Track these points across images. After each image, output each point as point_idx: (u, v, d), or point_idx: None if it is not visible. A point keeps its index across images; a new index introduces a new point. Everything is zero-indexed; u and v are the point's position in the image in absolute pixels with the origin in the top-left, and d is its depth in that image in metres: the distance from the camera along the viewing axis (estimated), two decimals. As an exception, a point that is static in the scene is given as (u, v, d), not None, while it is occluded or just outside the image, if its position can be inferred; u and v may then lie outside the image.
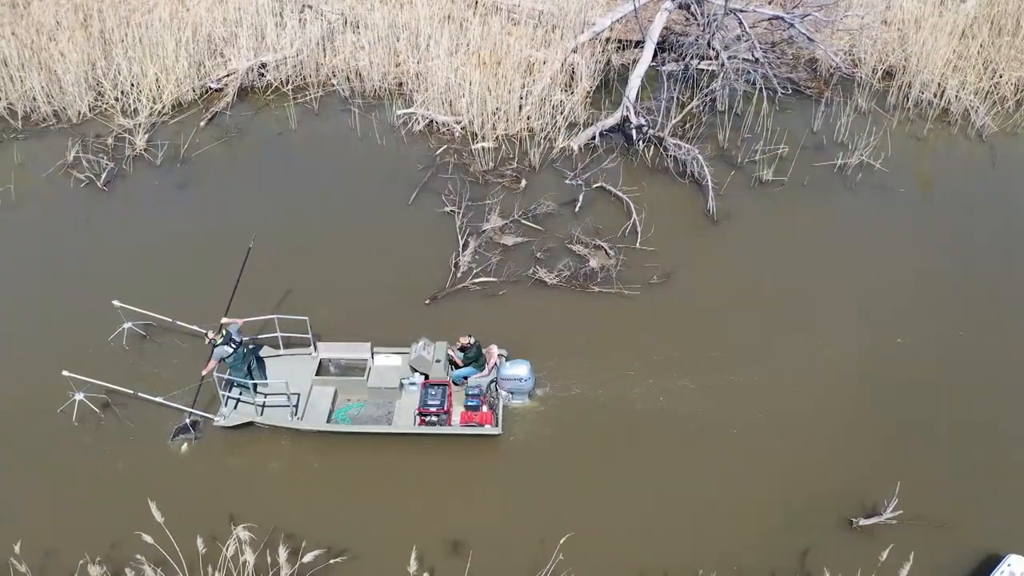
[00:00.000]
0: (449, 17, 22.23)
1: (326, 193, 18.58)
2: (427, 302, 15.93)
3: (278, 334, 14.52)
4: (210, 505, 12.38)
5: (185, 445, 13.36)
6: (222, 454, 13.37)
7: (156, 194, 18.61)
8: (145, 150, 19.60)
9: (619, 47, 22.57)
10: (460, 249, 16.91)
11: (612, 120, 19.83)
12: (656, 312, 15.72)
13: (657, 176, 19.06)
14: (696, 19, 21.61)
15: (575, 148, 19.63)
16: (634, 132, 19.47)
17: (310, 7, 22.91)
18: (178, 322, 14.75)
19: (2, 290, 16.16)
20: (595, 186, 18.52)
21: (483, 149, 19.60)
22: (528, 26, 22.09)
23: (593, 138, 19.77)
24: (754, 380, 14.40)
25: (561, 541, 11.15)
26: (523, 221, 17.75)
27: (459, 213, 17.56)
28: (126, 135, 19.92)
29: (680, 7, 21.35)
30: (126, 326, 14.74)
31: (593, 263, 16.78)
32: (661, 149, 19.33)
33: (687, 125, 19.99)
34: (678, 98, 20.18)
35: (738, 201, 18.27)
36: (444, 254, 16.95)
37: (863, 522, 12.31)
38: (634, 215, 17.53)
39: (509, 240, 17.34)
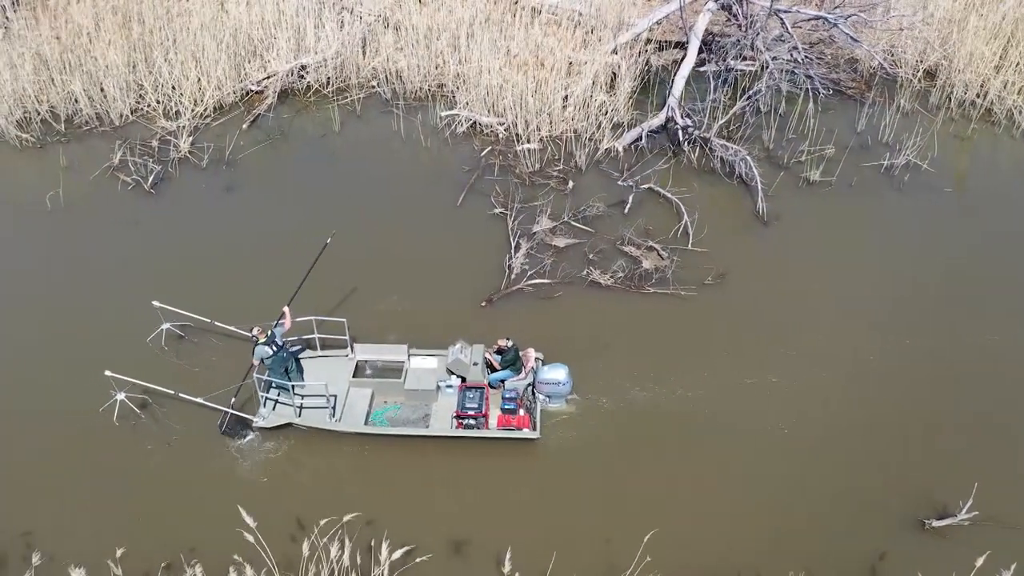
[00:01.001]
0: (488, 19, 22.19)
1: (373, 195, 18.55)
2: (483, 304, 15.91)
3: (315, 335, 14.50)
4: (256, 505, 12.10)
5: (247, 438, 13.47)
6: (262, 455, 13.34)
7: (203, 196, 18.60)
8: (190, 152, 19.59)
9: (657, 48, 22.55)
10: (512, 251, 16.88)
11: (657, 121, 19.80)
12: (712, 313, 15.69)
13: (704, 177, 19.03)
14: (736, 19, 21.60)
15: (620, 149, 19.60)
16: (680, 133, 19.43)
17: (348, 10, 22.88)
18: (216, 323, 14.76)
19: (52, 291, 16.14)
20: (643, 187, 18.49)
21: (528, 151, 19.57)
22: (567, 27, 22.04)
23: (638, 139, 19.74)
24: (815, 381, 14.39)
25: (646, 538, 11.10)
26: (573, 223, 17.73)
27: (511, 215, 17.52)
28: (170, 137, 19.90)
29: (722, 7, 21.33)
30: (164, 327, 14.77)
31: (646, 264, 16.75)
32: (707, 150, 19.29)
33: (731, 126, 19.94)
34: (719, 98, 20.13)
35: (787, 202, 18.24)
36: (495, 256, 16.93)
37: (935, 523, 12.28)
38: (685, 216, 17.49)
39: (560, 242, 17.32)
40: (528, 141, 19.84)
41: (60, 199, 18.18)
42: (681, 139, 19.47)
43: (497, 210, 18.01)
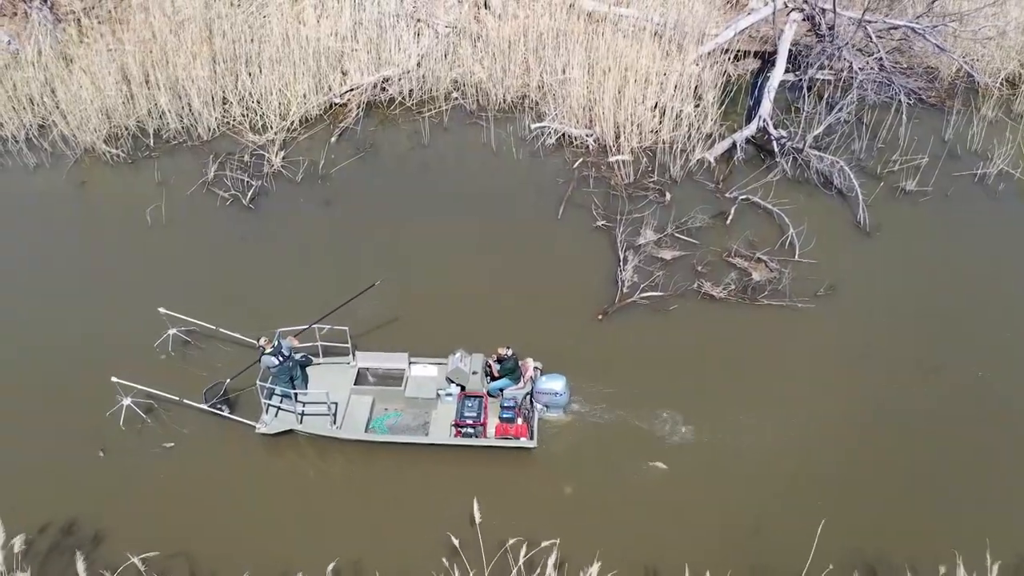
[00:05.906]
0: (568, 30, 22.23)
1: (473, 208, 18.48)
2: (599, 317, 15.94)
3: (318, 343, 14.64)
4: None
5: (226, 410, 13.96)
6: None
7: (303, 211, 18.56)
8: (282, 167, 19.58)
9: (734, 58, 22.60)
10: (621, 263, 16.90)
11: (749, 131, 19.86)
12: (832, 325, 15.74)
13: (799, 187, 19.07)
14: (818, 30, 21.68)
15: (712, 160, 19.64)
16: (775, 144, 19.48)
17: (423, 22, 22.89)
18: (221, 329, 14.95)
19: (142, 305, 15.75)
20: (741, 199, 18.53)
21: (621, 162, 19.59)
22: (649, 37, 22.07)
23: (730, 149, 19.79)
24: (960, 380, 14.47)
25: (818, 530, 11.09)
26: (676, 235, 17.76)
27: (619, 228, 17.54)
28: (261, 151, 19.89)
29: (806, 18, 21.41)
30: (171, 332, 14.97)
31: (756, 276, 16.79)
32: (801, 160, 19.33)
33: (820, 136, 19.96)
34: (815, 109, 20.09)
35: (887, 212, 18.27)
36: (602, 268, 16.98)
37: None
38: (790, 228, 17.52)
39: (667, 254, 17.35)
40: (619, 152, 19.87)
41: (161, 215, 18.15)
42: (775, 150, 19.50)
43: (600, 222, 18.04)
